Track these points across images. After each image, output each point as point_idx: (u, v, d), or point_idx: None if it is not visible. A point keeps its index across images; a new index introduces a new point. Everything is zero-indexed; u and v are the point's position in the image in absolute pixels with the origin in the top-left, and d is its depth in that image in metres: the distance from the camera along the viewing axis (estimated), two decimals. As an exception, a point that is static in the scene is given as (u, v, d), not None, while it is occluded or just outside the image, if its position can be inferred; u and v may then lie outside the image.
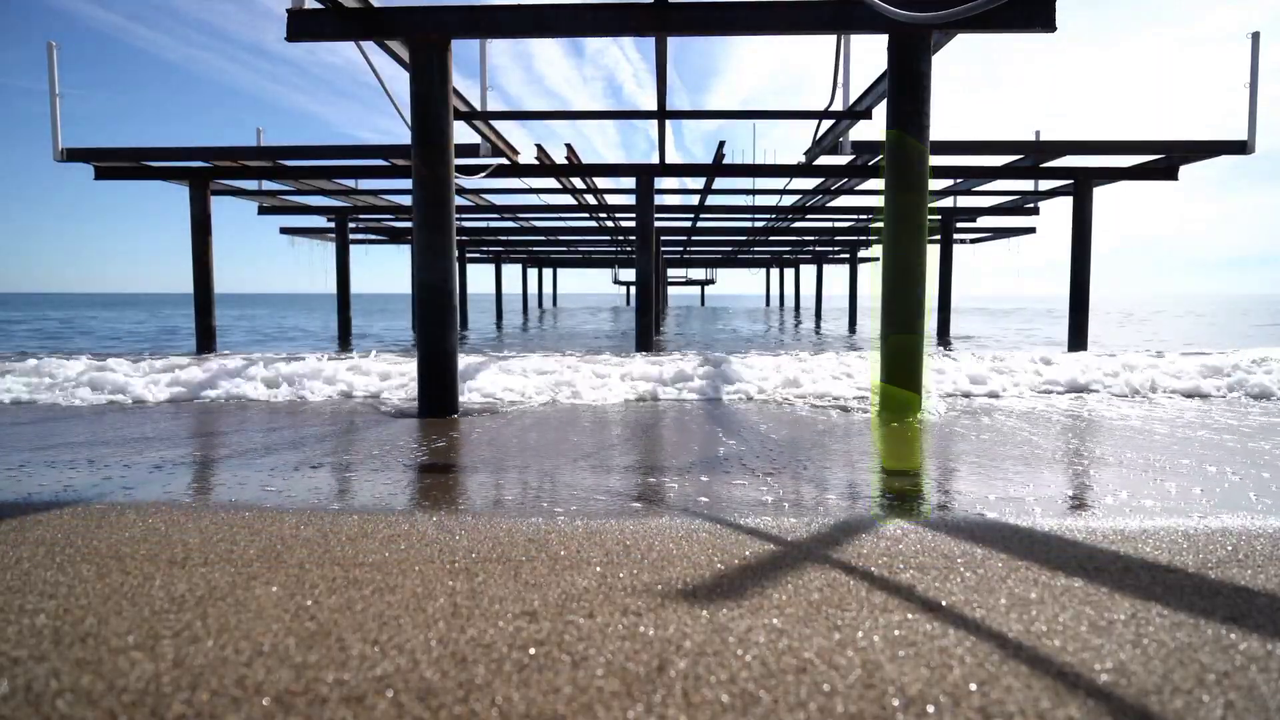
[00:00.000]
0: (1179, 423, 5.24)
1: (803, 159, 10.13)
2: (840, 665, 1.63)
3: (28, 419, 5.58)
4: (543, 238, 22.11)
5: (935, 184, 12.33)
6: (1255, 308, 46.67)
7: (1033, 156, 10.19)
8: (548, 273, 47.51)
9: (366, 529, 2.70)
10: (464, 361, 7.47)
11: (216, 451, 4.43)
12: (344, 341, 15.58)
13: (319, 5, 5.44)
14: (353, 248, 17.13)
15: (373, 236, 20.31)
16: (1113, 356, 8.28)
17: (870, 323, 22.96)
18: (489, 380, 7.01)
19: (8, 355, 9.01)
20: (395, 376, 7.30)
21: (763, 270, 45.35)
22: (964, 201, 15.28)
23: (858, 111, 7.68)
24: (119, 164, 10.51)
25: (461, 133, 7.43)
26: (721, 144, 9.86)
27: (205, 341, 11.56)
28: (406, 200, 13.92)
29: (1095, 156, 10.83)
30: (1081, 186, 11.50)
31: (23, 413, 5.90)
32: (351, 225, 17.60)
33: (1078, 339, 11.72)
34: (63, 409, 6.09)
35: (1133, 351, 9.12)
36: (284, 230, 17.55)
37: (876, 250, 21.43)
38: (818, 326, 24.36)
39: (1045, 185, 12.71)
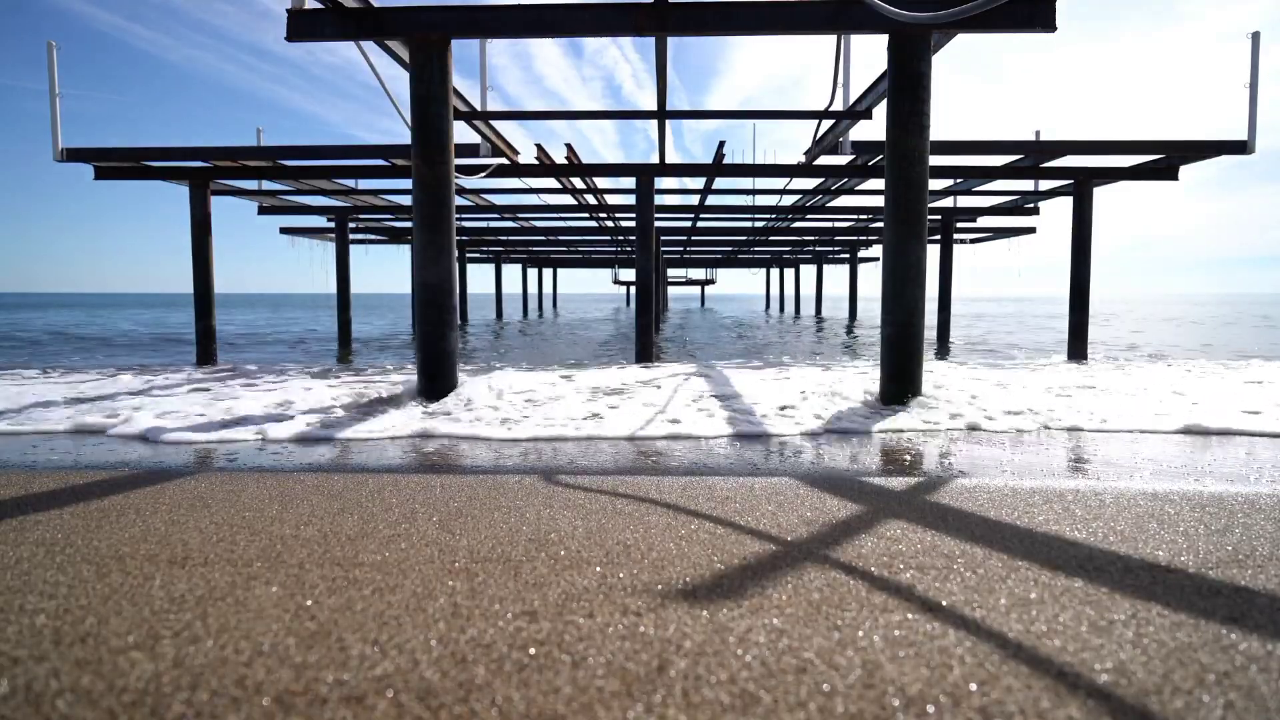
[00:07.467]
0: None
1: (803, 159, 10.13)
2: (840, 665, 1.63)
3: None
4: (543, 238, 22.10)
5: (935, 184, 12.32)
6: (1242, 312, 37.54)
7: (1033, 156, 10.18)
8: (548, 273, 47.53)
9: (366, 529, 2.70)
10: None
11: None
12: (344, 342, 15.55)
13: (319, 5, 5.44)
14: (353, 248, 17.12)
15: (373, 236, 20.30)
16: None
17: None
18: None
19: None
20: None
21: (763, 270, 45.36)
22: (964, 201, 15.27)
23: (858, 111, 7.68)
24: (119, 164, 10.50)
25: (461, 133, 7.43)
26: (721, 144, 9.85)
27: (205, 342, 11.55)
28: (406, 200, 13.91)
29: (1095, 156, 10.83)
30: (1081, 186, 11.49)
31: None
32: (351, 225, 17.59)
33: (1078, 342, 11.67)
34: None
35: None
36: (284, 230, 17.55)
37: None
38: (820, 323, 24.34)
39: (1045, 185, 12.70)
